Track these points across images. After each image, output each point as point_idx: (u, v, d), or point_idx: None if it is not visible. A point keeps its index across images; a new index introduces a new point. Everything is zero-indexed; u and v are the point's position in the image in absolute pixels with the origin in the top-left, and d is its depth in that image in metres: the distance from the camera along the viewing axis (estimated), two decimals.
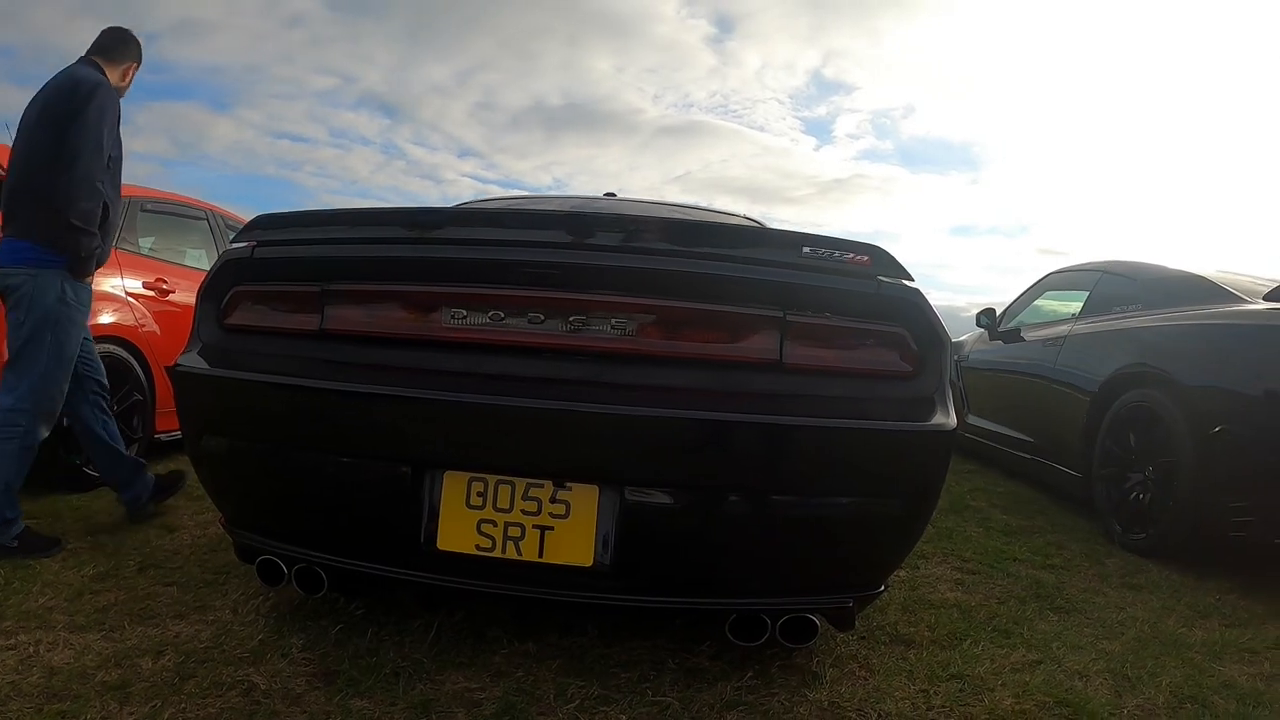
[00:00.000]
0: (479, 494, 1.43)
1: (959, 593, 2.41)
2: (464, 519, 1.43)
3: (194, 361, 1.64)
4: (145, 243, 3.73)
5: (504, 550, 1.42)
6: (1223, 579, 2.70)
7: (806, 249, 1.48)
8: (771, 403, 1.43)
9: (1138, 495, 3.00)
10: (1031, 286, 4.61)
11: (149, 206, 3.74)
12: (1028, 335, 4.20)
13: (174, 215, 4.01)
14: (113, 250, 2.71)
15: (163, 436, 3.45)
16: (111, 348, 3.11)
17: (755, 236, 1.85)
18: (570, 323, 1.46)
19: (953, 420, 1.50)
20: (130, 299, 3.36)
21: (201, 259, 4.14)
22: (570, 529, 1.41)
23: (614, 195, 3.13)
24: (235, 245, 1.70)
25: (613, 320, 1.46)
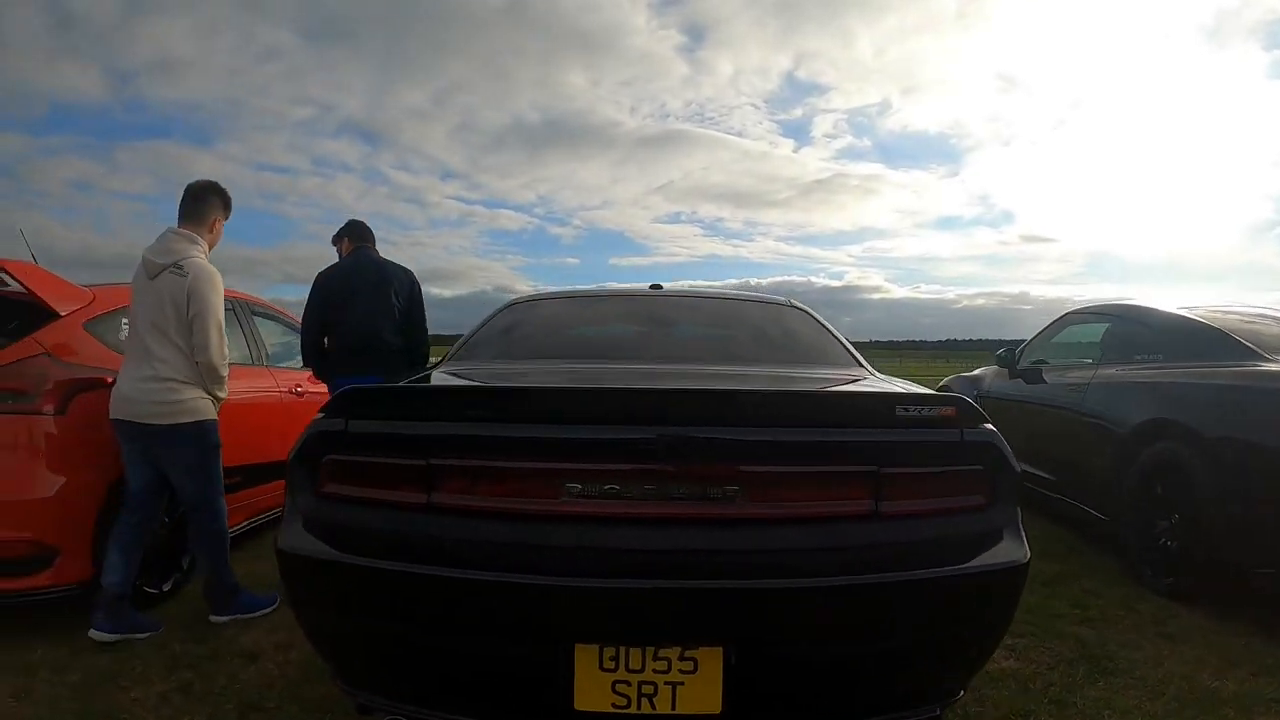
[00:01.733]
0: (611, 659, 1.53)
1: (1013, 660, 2.62)
2: (598, 680, 1.53)
3: (300, 541, 1.67)
4: None
5: (639, 706, 1.52)
6: (1248, 623, 2.95)
7: (900, 409, 1.64)
8: (868, 555, 1.57)
9: (1165, 542, 3.23)
10: (1050, 325, 4.83)
11: None
12: (1049, 376, 4.41)
13: None
14: None
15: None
16: None
17: (852, 401, 1.92)
18: (680, 493, 1.57)
19: (1025, 549, 1.69)
20: None
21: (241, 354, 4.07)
22: (699, 682, 1.52)
23: (660, 287, 3.24)
24: (327, 419, 1.75)
25: (722, 489, 1.57)
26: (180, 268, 2.79)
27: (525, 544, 1.58)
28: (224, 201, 3.03)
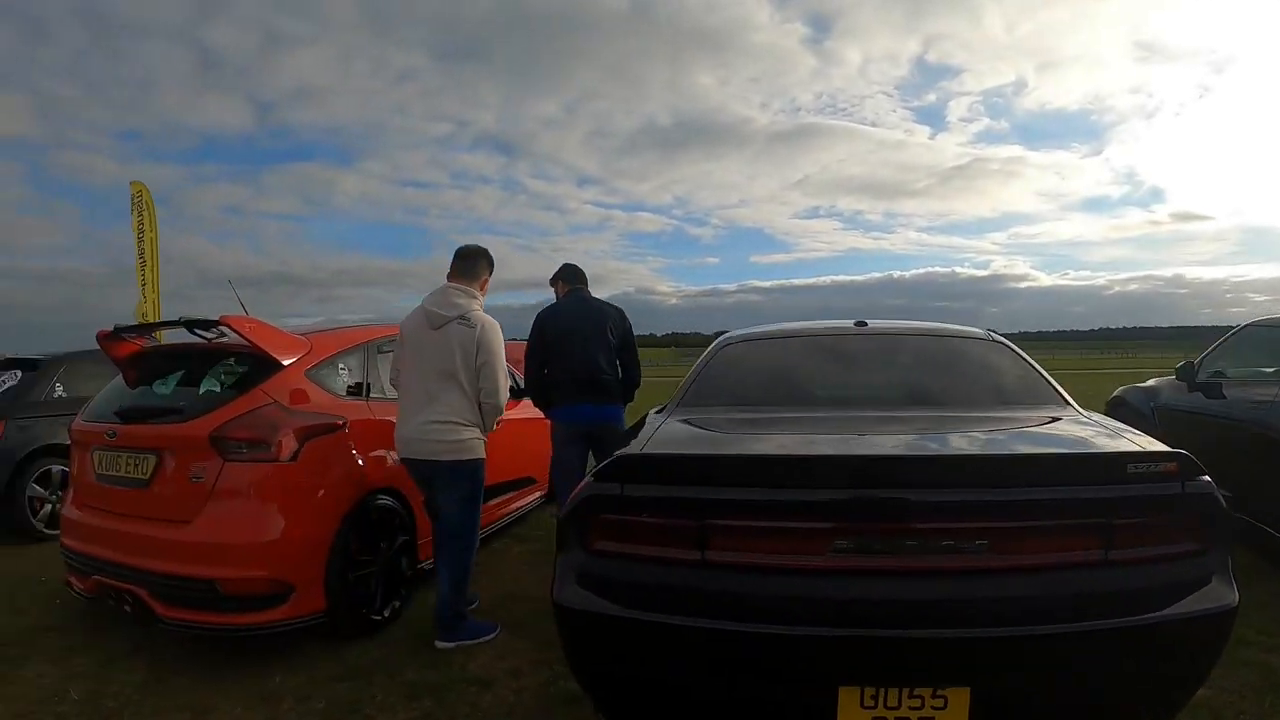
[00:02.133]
0: (871, 697, 1.73)
1: (1204, 689, 2.64)
2: (859, 717, 1.73)
3: (574, 595, 1.88)
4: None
5: None
6: None
7: (1131, 467, 1.80)
8: (1098, 601, 1.72)
9: None
10: (1230, 335, 4.62)
11: (385, 348, 3.84)
12: (1230, 390, 4.24)
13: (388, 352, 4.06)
14: (367, 404, 3.60)
15: (425, 565, 3.76)
16: (388, 499, 3.51)
17: (1089, 461, 2.01)
18: (931, 548, 1.76)
19: (1235, 594, 1.80)
20: (389, 451, 3.48)
21: None
22: (948, 717, 1.72)
23: (865, 324, 3.22)
24: (601, 483, 1.91)
25: (970, 544, 1.76)
26: (467, 319, 3.13)
27: (792, 596, 1.76)
28: (489, 262, 3.38)
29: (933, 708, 1.71)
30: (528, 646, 3.19)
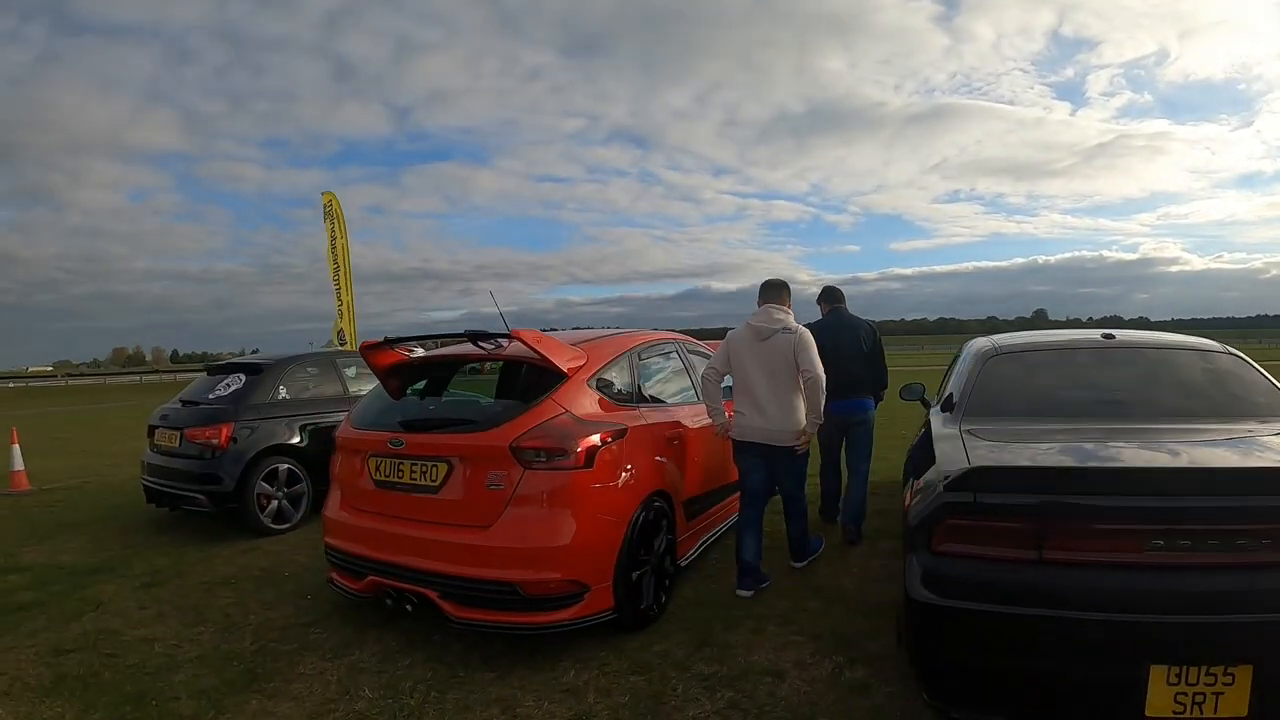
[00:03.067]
0: (1175, 675, 2.00)
1: None
2: (1164, 693, 2.01)
3: (924, 591, 2.21)
4: (656, 390, 4.18)
5: (1190, 711, 2.00)
6: None
7: None
8: None
9: None
10: None
11: (644, 355, 4.15)
12: None
13: (659, 356, 4.41)
14: (639, 409, 3.76)
15: (681, 562, 3.95)
16: (660, 501, 3.61)
17: None
18: (1230, 546, 2.03)
19: None
20: (663, 457, 3.72)
21: (689, 393, 4.42)
22: (1235, 691, 1.99)
23: (1112, 336, 3.62)
24: (954, 491, 2.23)
25: (1259, 542, 2.02)
26: (789, 330, 3.84)
27: (1115, 588, 2.05)
28: (789, 289, 4.11)
29: (1223, 684, 1.99)
30: (803, 639, 3.30)
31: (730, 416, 3.98)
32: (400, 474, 3.35)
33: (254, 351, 5.99)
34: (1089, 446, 2.68)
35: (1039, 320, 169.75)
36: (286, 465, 5.51)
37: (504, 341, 3.51)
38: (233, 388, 5.63)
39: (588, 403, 3.40)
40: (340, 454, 3.73)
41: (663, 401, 4.14)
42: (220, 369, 6.08)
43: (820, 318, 4.91)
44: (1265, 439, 2.77)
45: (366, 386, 6.42)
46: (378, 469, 3.44)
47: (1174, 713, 1.99)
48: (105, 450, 11.44)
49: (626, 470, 3.37)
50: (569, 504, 3.09)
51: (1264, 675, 1.96)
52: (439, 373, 3.97)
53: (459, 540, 3.12)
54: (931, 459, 2.66)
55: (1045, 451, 2.68)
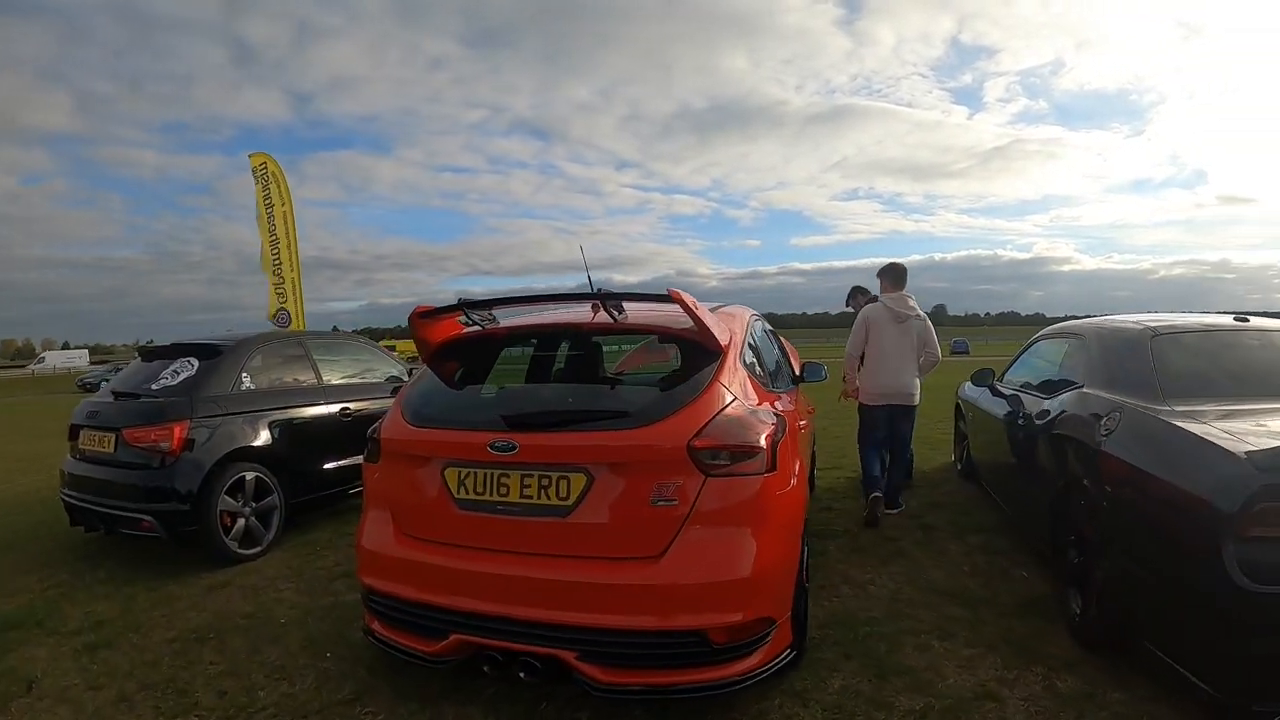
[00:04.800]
0: None
1: None
2: None
3: (1246, 580, 2.08)
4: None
5: None
6: None
7: None
8: None
9: None
10: (1026, 346, 5.00)
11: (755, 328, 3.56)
12: (1009, 395, 4.57)
13: (762, 331, 3.87)
14: (778, 396, 3.27)
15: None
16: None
17: None
18: None
19: None
20: (799, 452, 3.12)
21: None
22: None
23: (1247, 319, 3.50)
24: (1269, 473, 2.10)
25: None
26: (920, 317, 4.87)
27: None
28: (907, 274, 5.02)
29: None
30: (979, 652, 2.94)
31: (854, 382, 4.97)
32: (505, 490, 2.48)
33: (148, 343, 4.97)
34: None
35: (939, 315, 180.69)
36: (254, 474, 4.45)
37: (622, 309, 2.73)
38: (183, 375, 4.47)
39: (748, 388, 2.71)
40: (388, 463, 2.80)
41: (775, 385, 3.42)
42: (162, 352, 4.86)
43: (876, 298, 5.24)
44: None
45: (340, 375, 5.42)
46: (464, 484, 2.55)
47: None
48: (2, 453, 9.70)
49: (799, 470, 2.78)
50: (756, 518, 2.40)
51: None
52: (529, 351, 3.22)
53: (611, 579, 2.32)
54: (1165, 440, 2.57)
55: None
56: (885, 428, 4.83)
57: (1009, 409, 4.42)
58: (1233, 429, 2.42)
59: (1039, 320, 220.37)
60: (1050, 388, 3.93)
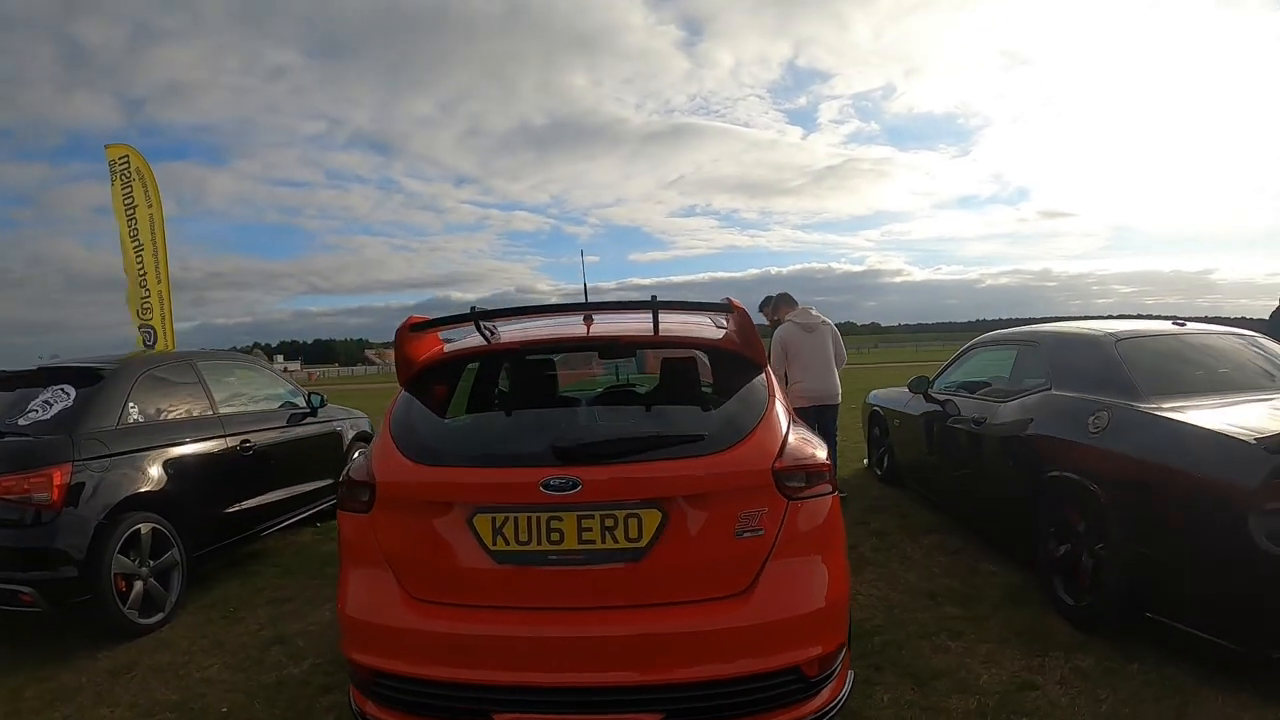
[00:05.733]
0: None
1: None
2: None
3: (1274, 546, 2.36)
4: None
5: None
6: None
7: None
8: None
9: None
10: (958, 354, 5.43)
11: None
12: (944, 400, 4.98)
13: None
14: None
15: None
16: None
17: None
18: None
19: None
20: None
21: None
22: None
23: (1183, 324, 3.90)
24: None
25: None
26: (825, 322, 5.70)
27: None
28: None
29: None
30: (997, 645, 3.09)
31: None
32: (559, 537, 2.13)
33: None
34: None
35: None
36: (151, 525, 3.69)
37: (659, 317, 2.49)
38: (57, 406, 3.62)
39: (786, 403, 2.57)
40: (385, 513, 2.29)
41: None
42: (24, 378, 3.91)
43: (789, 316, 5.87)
44: None
45: (236, 401, 4.70)
46: (500, 533, 2.15)
47: None
48: None
49: None
50: (831, 541, 2.28)
51: None
52: (534, 371, 2.82)
53: (699, 625, 2.08)
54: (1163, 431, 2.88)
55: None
56: (813, 423, 5.15)
57: (954, 413, 4.65)
58: (1225, 420, 2.75)
59: (875, 329, 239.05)
60: (1002, 393, 4.20)
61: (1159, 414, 2.96)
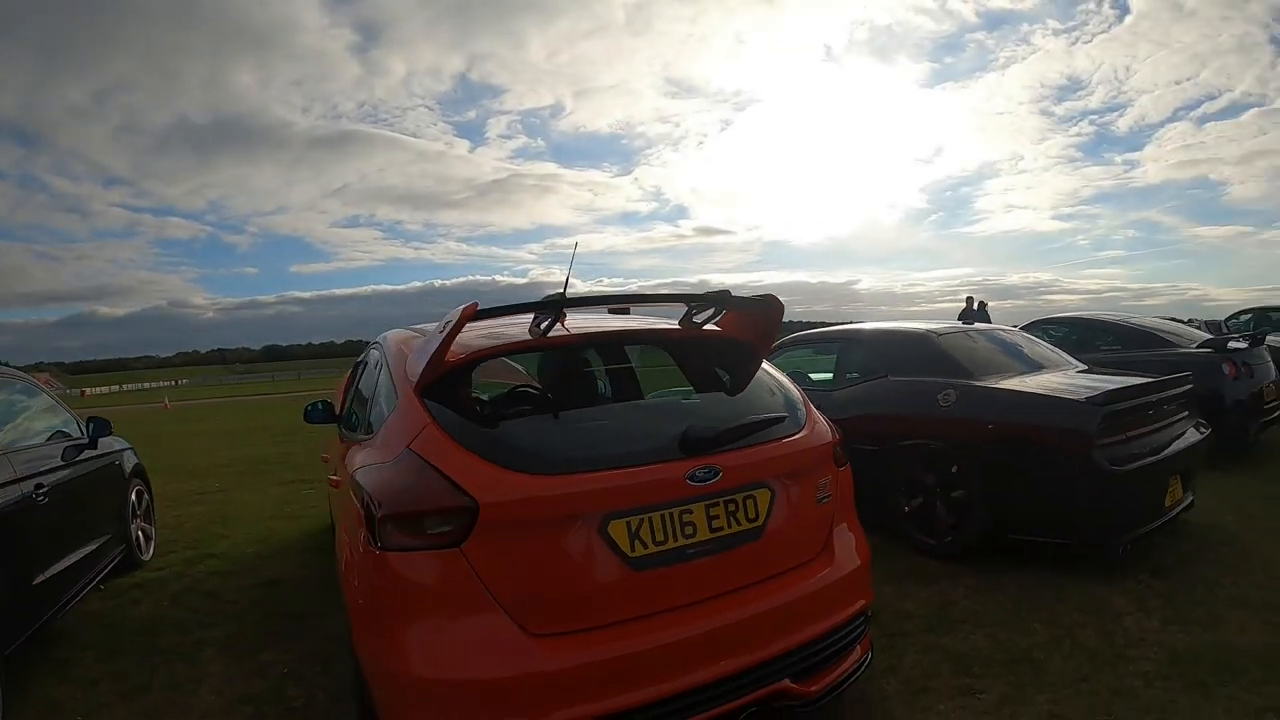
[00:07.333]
0: None
1: None
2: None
3: (1111, 466, 3.51)
4: None
5: None
6: None
7: None
8: None
9: None
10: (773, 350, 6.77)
11: None
12: None
13: None
14: None
15: None
16: None
17: None
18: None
19: None
20: None
21: None
22: None
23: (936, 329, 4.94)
24: (1102, 407, 3.57)
25: None
26: None
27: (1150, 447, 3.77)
28: None
29: None
30: (1004, 600, 3.65)
31: None
32: (692, 529, 2.11)
33: None
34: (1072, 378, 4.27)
35: None
36: None
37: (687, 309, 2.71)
38: None
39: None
40: (489, 540, 1.94)
41: None
42: None
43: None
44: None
45: (10, 433, 3.59)
46: (637, 536, 2.04)
47: None
48: None
49: None
50: (853, 503, 2.74)
51: None
52: (581, 366, 2.88)
53: (806, 588, 2.32)
54: (992, 401, 3.94)
55: (1086, 381, 4.12)
56: None
57: None
58: (1048, 387, 3.96)
59: None
60: (833, 382, 4.93)
61: (997, 387, 4.00)
